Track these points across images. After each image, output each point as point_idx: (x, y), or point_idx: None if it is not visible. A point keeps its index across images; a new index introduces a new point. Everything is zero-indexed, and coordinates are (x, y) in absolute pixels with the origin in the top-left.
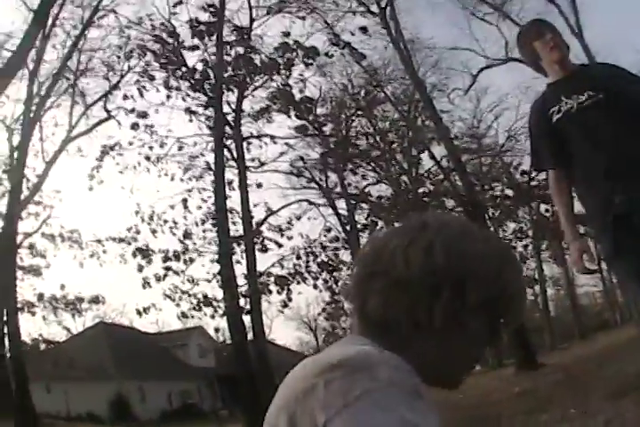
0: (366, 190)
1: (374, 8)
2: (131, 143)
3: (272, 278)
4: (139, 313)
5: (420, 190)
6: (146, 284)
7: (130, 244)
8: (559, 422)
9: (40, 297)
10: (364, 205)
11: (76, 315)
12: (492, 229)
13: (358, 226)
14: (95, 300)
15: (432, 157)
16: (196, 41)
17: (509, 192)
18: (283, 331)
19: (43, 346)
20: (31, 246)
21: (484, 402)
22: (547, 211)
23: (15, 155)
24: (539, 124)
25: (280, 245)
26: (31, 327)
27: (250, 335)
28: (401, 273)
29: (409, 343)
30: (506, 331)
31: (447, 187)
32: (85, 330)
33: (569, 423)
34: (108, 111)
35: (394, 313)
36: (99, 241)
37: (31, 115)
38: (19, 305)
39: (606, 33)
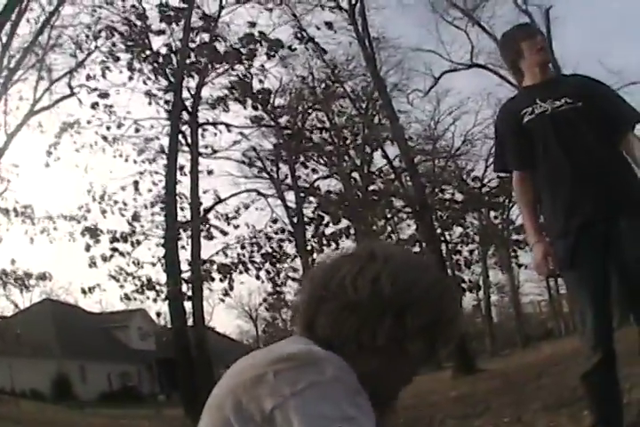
0: (316, 184)
1: (344, 4)
2: (89, 122)
3: (215, 266)
4: (84, 292)
5: (370, 188)
6: (92, 263)
7: (79, 222)
8: None
9: None
10: (312, 198)
11: (24, 291)
12: (438, 231)
13: (305, 219)
14: (43, 277)
15: (385, 155)
16: (164, 26)
17: (459, 196)
18: (223, 319)
19: None
20: None
21: (420, 404)
22: (495, 218)
23: None
24: (507, 124)
25: (225, 234)
26: None
27: (190, 321)
28: (350, 298)
29: (352, 361)
30: (443, 352)
31: (397, 187)
32: (32, 306)
33: None
34: (71, 88)
35: (340, 333)
36: (50, 218)
37: None
38: None
39: (574, 44)
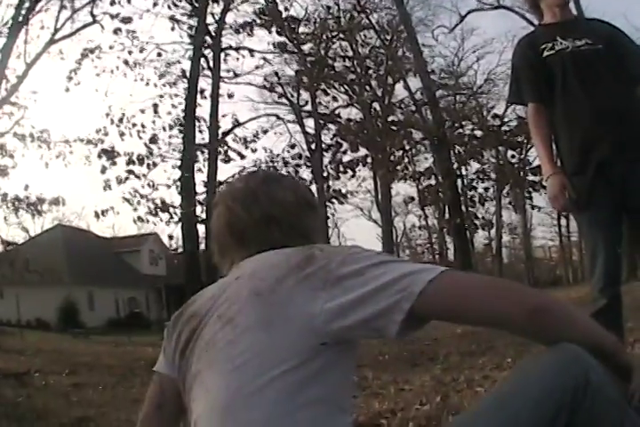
0: (336, 112)
1: None
2: (111, 47)
3: None
4: (97, 216)
5: (390, 119)
6: (107, 186)
7: (96, 145)
8: (495, 369)
9: (4, 197)
10: (331, 125)
11: (36, 216)
12: (455, 166)
13: (323, 146)
14: (56, 201)
15: (407, 87)
16: None
17: (478, 133)
18: None
19: (0, 248)
20: (1, 147)
21: (424, 338)
22: (513, 157)
23: None
24: (526, 57)
25: (243, 157)
26: None
27: (202, 246)
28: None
29: None
30: None
31: (417, 119)
32: (43, 232)
33: (504, 372)
34: (93, 16)
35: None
36: (67, 142)
37: (20, 18)
38: None
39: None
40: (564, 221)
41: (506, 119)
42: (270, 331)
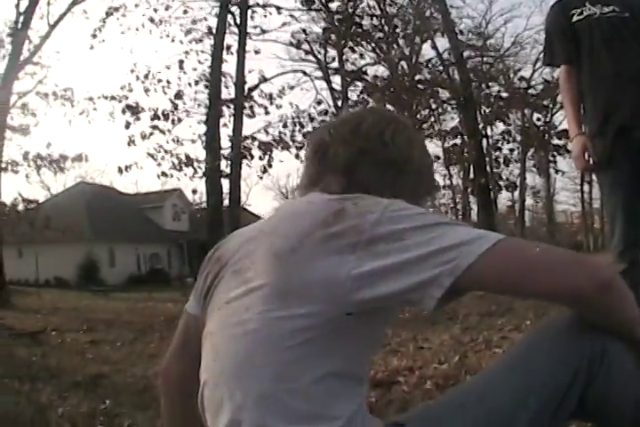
0: (363, 69)
1: None
2: (137, 5)
3: (256, 143)
4: (120, 171)
5: (417, 77)
6: (131, 142)
7: (120, 102)
8: (514, 330)
9: (25, 155)
10: (358, 83)
11: (58, 173)
12: (481, 126)
13: (349, 102)
14: (79, 158)
15: (434, 47)
16: None
17: (505, 94)
18: (259, 200)
19: (21, 206)
20: (24, 106)
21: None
22: (538, 120)
23: (21, 19)
24: (557, 22)
25: (268, 112)
26: (12, 190)
27: (226, 202)
28: (390, 154)
29: None
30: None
31: (444, 78)
32: (65, 190)
33: (522, 334)
34: None
35: (380, 183)
36: (90, 99)
37: None
38: (2, 165)
39: None
40: (587, 188)
41: (532, 82)
42: (286, 299)
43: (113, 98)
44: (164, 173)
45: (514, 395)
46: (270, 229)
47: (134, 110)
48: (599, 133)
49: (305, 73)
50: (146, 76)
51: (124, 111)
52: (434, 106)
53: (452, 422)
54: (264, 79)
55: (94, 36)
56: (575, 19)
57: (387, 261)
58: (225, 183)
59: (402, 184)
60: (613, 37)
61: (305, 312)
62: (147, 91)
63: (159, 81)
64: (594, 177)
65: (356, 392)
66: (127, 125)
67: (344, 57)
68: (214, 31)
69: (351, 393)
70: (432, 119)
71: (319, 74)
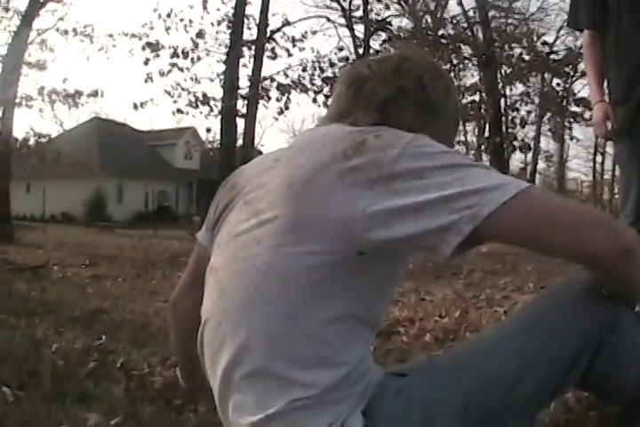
0: (388, 20)
1: None
2: None
3: (274, 84)
4: (135, 107)
5: (441, 32)
6: (149, 79)
7: (140, 39)
8: (516, 291)
9: (40, 91)
10: (381, 33)
11: (72, 108)
12: (500, 85)
13: (371, 51)
14: (94, 93)
15: (460, 4)
16: None
17: (527, 57)
18: (273, 142)
19: (32, 141)
20: (42, 42)
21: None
22: (558, 85)
23: None
24: None
25: (290, 55)
26: (25, 125)
27: (239, 142)
28: (429, 98)
29: None
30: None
31: (467, 35)
32: (79, 125)
33: (525, 295)
34: None
35: (411, 126)
36: (110, 35)
37: None
38: (17, 100)
39: None
40: (599, 158)
41: (555, 48)
42: (299, 233)
43: (134, 35)
44: (179, 110)
45: (522, 359)
46: (287, 159)
47: (154, 47)
48: (622, 102)
49: (329, 19)
50: (168, 15)
51: (143, 48)
52: (455, 61)
53: (455, 381)
54: (287, 23)
55: None
56: None
57: (405, 201)
58: (240, 123)
59: (432, 130)
60: None
61: (319, 249)
62: (168, 29)
63: (181, 20)
64: (607, 149)
65: (366, 338)
66: (146, 62)
67: (369, 6)
68: None
69: (361, 339)
70: (452, 74)
71: (343, 21)
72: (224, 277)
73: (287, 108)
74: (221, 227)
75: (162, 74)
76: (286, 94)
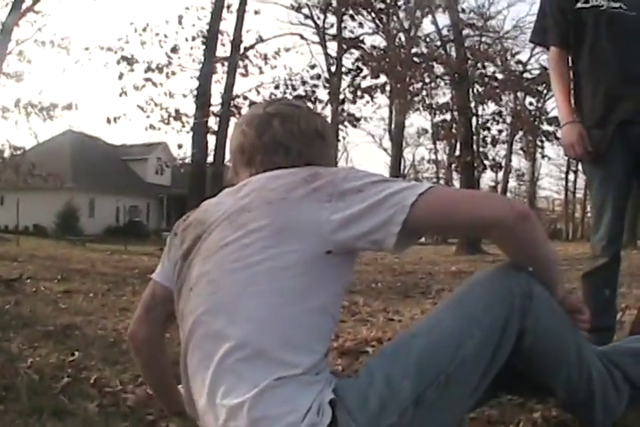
0: (361, 38)
1: None
2: None
3: (247, 102)
4: (108, 122)
5: (414, 50)
6: (123, 93)
7: (116, 53)
8: None
9: (17, 103)
10: (354, 51)
11: (47, 120)
12: (472, 104)
13: (343, 69)
14: (68, 106)
15: (434, 22)
16: None
17: (500, 76)
18: None
19: (8, 153)
20: (20, 53)
21: (419, 271)
22: (530, 104)
23: None
24: (558, 1)
25: (262, 72)
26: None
27: (210, 158)
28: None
29: None
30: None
31: (441, 54)
32: (53, 138)
33: None
34: None
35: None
36: (87, 49)
37: None
38: None
39: None
40: (572, 176)
41: (529, 67)
42: (281, 236)
43: (109, 49)
44: (152, 126)
45: (459, 326)
46: (259, 187)
47: (129, 61)
48: (599, 125)
49: (302, 37)
50: (144, 29)
51: (118, 62)
52: (427, 80)
53: (405, 350)
54: (261, 39)
55: None
56: (579, 5)
57: (354, 208)
58: (211, 140)
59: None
60: (619, 33)
61: (297, 248)
62: (143, 43)
63: (156, 34)
64: (580, 167)
65: (329, 335)
66: (120, 76)
67: (343, 24)
68: None
69: (327, 334)
70: (424, 93)
71: (316, 39)
72: (218, 276)
73: None
74: (199, 251)
75: (136, 88)
76: (235, 127)
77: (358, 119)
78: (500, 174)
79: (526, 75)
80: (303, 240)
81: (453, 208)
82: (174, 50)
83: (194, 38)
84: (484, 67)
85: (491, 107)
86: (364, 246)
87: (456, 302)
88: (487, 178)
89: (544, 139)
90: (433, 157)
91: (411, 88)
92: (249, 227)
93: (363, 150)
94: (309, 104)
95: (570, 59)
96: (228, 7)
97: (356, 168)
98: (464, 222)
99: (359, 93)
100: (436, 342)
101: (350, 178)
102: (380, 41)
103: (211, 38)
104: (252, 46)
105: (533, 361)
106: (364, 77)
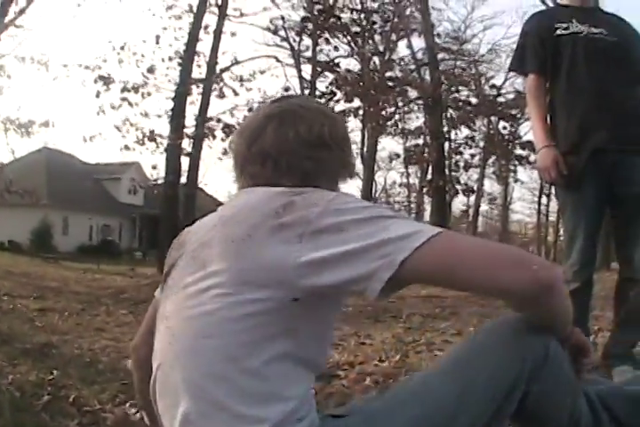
0: (335, 61)
1: None
2: None
3: (221, 125)
4: (85, 140)
5: (388, 74)
6: (101, 111)
7: (93, 71)
8: (457, 335)
9: None
10: (329, 74)
11: (24, 136)
12: (445, 129)
13: (317, 93)
14: (46, 124)
15: (409, 46)
16: None
17: (474, 100)
18: (216, 181)
19: None
20: (1, 67)
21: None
22: (504, 128)
23: None
24: (538, 27)
25: (237, 94)
26: None
27: (183, 179)
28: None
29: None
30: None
31: (415, 78)
32: (28, 154)
33: (462, 338)
34: None
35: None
36: (65, 66)
37: None
38: None
39: None
40: (544, 200)
41: (503, 91)
42: (240, 283)
43: (87, 67)
44: (126, 147)
45: (455, 398)
46: (227, 217)
47: (106, 80)
48: (573, 151)
49: (277, 59)
50: (122, 48)
51: (95, 81)
52: (401, 104)
53: (391, 418)
54: (236, 61)
55: (79, 4)
56: (559, 32)
57: (329, 252)
58: (184, 161)
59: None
60: (597, 60)
61: (257, 297)
62: (120, 62)
63: (134, 54)
64: (553, 190)
65: (307, 377)
66: (97, 95)
67: (318, 47)
68: (194, 9)
69: (301, 378)
70: (397, 117)
71: (291, 61)
72: (174, 324)
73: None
74: (168, 279)
75: (113, 107)
76: (232, 135)
77: None
78: (472, 198)
79: (500, 99)
80: (265, 288)
81: (454, 271)
82: (151, 70)
83: (170, 59)
84: (457, 91)
85: (464, 131)
86: (340, 294)
87: (458, 367)
88: (459, 202)
89: (517, 163)
90: (405, 180)
91: (384, 112)
92: (208, 268)
93: None
94: None
95: (546, 86)
96: (206, 28)
97: (346, 196)
98: (470, 287)
99: None
100: (426, 416)
101: (330, 212)
102: (354, 64)
103: (187, 59)
104: (227, 68)
105: (526, 417)
106: (338, 101)
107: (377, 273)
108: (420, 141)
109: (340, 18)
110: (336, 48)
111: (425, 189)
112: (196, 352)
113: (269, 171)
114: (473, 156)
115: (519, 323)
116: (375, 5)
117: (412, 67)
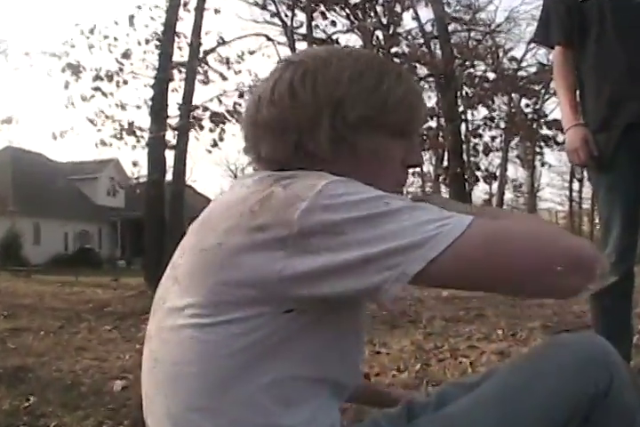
0: (334, 37)
1: None
2: None
3: (208, 113)
4: (54, 137)
5: (394, 50)
6: (70, 104)
7: (60, 59)
8: (483, 340)
9: None
10: None
11: None
12: (461, 109)
13: None
14: (8, 120)
15: (416, 18)
16: None
17: (491, 76)
18: (204, 178)
19: None
20: None
21: (406, 296)
22: (527, 106)
23: None
24: None
25: (225, 78)
26: None
27: (169, 176)
28: (273, 116)
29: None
30: (415, 144)
31: (424, 53)
32: None
33: (493, 344)
34: None
35: (283, 154)
36: (27, 54)
37: None
38: None
39: None
40: (576, 186)
41: (524, 64)
42: (218, 302)
43: (53, 55)
44: (102, 142)
45: None
46: (201, 219)
47: (75, 69)
48: (603, 129)
49: (268, 37)
50: (91, 32)
51: (63, 70)
52: None
53: None
54: (222, 42)
55: None
56: None
57: (322, 260)
58: (169, 156)
59: None
60: (627, 26)
61: (238, 317)
62: (91, 47)
63: (105, 37)
64: (586, 174)
65: (326, 401)
66: (66, 85)
67: (313, 22)
68: None
69: (315, 401)
70: None
71: (283, 39)
72: (156, 347)
73: (222, 139)
74: (159, 289)
75: (84, 99)
76: (221, 125)
77: None
78: (495, 186)
79: (521, 73)
80: (247, 306)
81: (494, 284)
82: (125, 55)
83: (147, 41)
84: (473, 66)
85: (482, 111)
86: (342, 302)
87: (508, 397)
88: (480, 190)
89: (543, 144)
90: (418, 169)
91: None
92: (181, 283)
93: None
94: None
95: (574, 59)
96: (185, 5)
97: (335, 182)
98: (512, 295)
99: None
100: None
101: (318, 209)
102: (355, 40)
103: (166, 41)
104: (212, 49)
105: None
106: None
107: (383, 287)
108: (434, 124)
109: None
110: (334, 23)
111: (441, 178)
112: (175, 381)
113: (270, 148)
114: (493, 138)
115: (579, 347)
116: None
117: (421, 41)
